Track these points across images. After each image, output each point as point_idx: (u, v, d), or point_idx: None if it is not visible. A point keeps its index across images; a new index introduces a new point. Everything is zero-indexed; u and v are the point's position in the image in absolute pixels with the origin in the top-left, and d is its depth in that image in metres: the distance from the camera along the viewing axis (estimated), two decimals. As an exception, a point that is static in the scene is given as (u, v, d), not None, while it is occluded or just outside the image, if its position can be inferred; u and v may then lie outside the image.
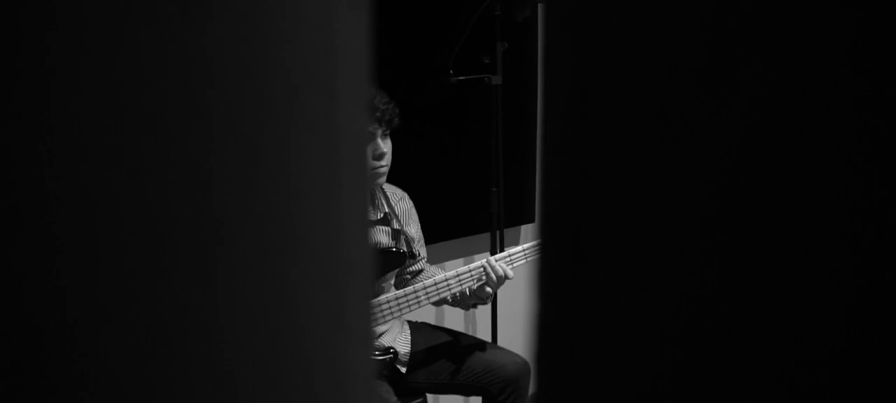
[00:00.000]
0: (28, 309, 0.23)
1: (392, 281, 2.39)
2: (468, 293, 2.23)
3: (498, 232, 2.69)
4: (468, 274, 2.20)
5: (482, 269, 2.18)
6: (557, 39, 0.30)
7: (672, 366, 0.28)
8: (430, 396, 2.51)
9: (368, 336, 0.35)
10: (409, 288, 2.20)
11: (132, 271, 0.26)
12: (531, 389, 2.08)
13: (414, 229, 2.41)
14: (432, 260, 2.63)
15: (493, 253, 2.59)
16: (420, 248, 2.44)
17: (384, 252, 2.30)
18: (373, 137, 2.09)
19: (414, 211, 2.43)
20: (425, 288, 2.20)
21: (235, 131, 0.27)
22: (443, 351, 2.41)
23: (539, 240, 0.33)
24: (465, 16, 2.47)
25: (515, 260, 2.20)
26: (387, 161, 2.16)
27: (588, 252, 0.29)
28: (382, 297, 2.20)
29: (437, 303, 2.36)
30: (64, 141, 0.24)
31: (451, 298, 2.29)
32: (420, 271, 2.45)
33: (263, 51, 0.28)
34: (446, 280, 2.20)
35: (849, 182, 0.24)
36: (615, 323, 0.29)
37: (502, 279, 2.17)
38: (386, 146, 2.14)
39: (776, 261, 0.26)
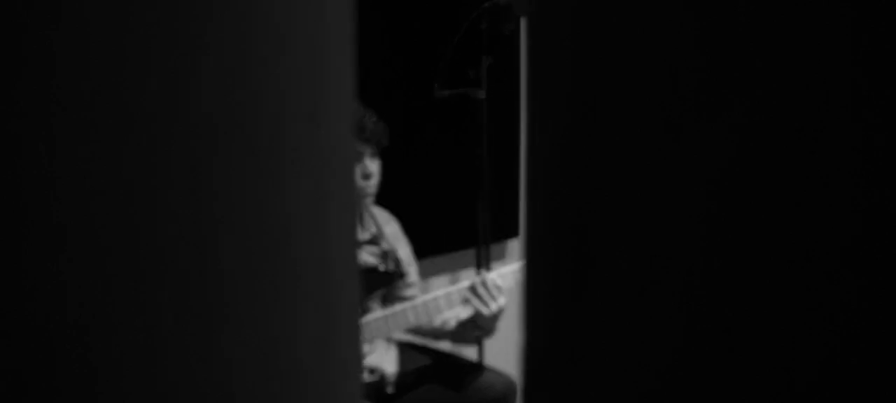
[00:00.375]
0: (29, 308, 0.23)
1: (379, 301, 2.38)
2: (469, 326, 2.21)
3: (484, 247, 2.69)
4: (457, 293, 2.19)
5: (471, 289, 2.14)
6: (555, 41, 0.30)
7: (672, 366, 0.28)
8: (417, 416, 2.49)
9: (357, 355, 0.35)
10: (398, 306, 2.19)
11: (131, 271, 0.25)
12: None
13: (403, 251, 2.40)
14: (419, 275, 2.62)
15: (479, 267, 2.58)
16: (411, 269, 2.42)
17: (372, 271, 2.29)
18: (361, 157, 2.09)
19: (403, 235, 2.42)
20: (414, 306, 2.18)
21: (225, 151, 0.27)
22: (430, 371, 2.39)
23: (532, 242, 0.32)
24: (463, 22, 2.47)
25: (505, 278, 2.19)
26: (375, 180, 2.15)
27: (594, 251, 0.29)
28: (370, 316, 2.19)
29: (438, 337, 2.34)
30: (65, 141, 0.23)
31: (454, 332, 2.27)
32: (412, 297, 2.42)
33: (252, 72, 0.28)
34: (435, 298, 2.18)
35: (848, 182, 0.24)
36: (615, 323, 0.29)
37: (495, 288, 2.12)
38: (374, 166, 2.13)
39: (776, 261, 0.25)
